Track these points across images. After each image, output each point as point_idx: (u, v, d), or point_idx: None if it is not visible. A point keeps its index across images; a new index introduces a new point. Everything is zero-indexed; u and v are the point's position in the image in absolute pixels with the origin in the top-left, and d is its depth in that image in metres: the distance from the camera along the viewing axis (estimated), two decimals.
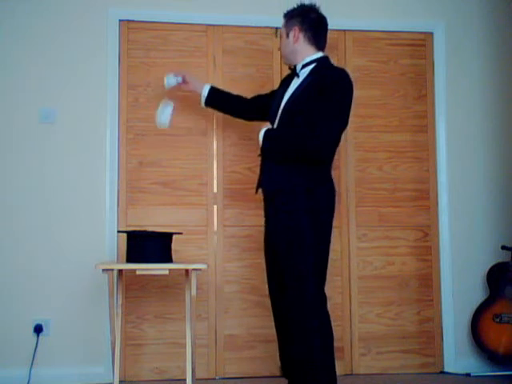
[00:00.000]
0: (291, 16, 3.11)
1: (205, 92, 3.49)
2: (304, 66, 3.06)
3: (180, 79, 3.53)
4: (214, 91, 3.50)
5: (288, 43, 3.11)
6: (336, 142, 2.96)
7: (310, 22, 3.08)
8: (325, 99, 2.90)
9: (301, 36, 3.06)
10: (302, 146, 2.92)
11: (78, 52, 3.83)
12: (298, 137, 2.94)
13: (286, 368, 3.15)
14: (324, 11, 3.12)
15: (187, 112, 3.85)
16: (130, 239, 3.22)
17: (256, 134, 3.07)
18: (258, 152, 3.14)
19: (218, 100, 3.53)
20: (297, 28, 3.07)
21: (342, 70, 3.08)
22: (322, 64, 3.06)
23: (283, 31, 3.14)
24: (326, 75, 2.98)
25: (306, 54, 3.07)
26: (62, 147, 3.78)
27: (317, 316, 2.90)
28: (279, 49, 3.25)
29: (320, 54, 3.09)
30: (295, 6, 3.15)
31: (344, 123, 2.99)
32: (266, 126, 3.08)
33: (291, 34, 3.08)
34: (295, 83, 3.08)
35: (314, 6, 3.13)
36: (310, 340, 2.86)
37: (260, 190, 3.17)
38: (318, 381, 2.86)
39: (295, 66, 3.10)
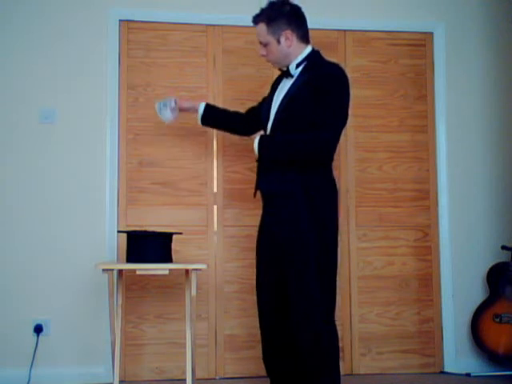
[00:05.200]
0: (272, 19, 2.90)
1: (200, 109, 3.36)
2: (298, 65, 2.94)
3: (173, 103, 3.36)
4: (209, 108, 3.38)
5: (281, 49, 2.92)
6: (338, 140, 2.88)
7: (295, 20, 2.92)
8: (323, 99, 2.81)
9: (294, 38, 2.92)
10: (306, 151, 2.83)
11: (78, 52, 3.83)
12: (299, 143, 2.85)
13: (271, 371, 3.07)
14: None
15: (187, 112, 3.85)
16: (130, 239, 3.22)
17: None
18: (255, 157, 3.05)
19: (215, 117, 3.40)
20: (288, 32, 2.90)
21: (336, 65, 2.95)
22: (315, 60, 2.95)
23: (269, 38, 2.92)
24: (320, 73, 2.88)
25: (299, 53, 2.94)
26: (62, 147, 3.78)
27: (325, 329, 2.82)
28: (264, 55, 3.00)
29: (310, 49, 2.97)
30: (264, 6, 2.94)
31: (344, 121, 2.91)
32: (259, 133, 2.97)
33: (283, 39, 2.90)
34: (287, 84, 2.96)
35: None
36: (318, 354, 2.81)
37: (258, 193, 3.12)
38: None
39: (287, 67, 2.97)
